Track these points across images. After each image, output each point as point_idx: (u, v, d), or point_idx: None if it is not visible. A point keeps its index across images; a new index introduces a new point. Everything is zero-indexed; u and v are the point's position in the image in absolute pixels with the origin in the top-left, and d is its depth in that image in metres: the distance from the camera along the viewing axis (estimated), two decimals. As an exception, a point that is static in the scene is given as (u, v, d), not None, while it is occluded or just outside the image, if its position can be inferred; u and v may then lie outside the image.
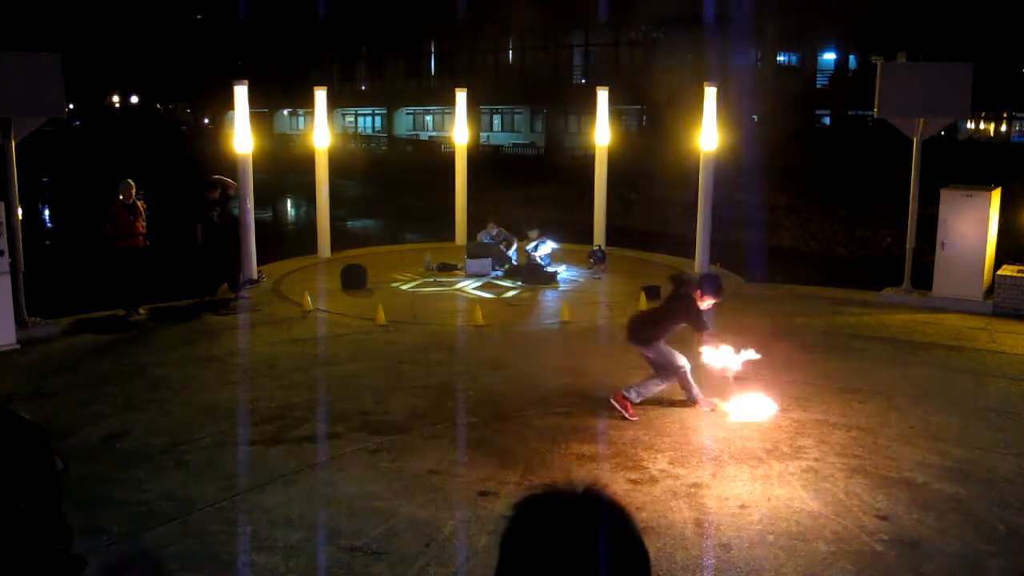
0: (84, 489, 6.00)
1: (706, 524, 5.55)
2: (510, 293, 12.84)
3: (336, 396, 8.05)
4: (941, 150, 22.43)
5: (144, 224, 11.40)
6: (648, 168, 27.38)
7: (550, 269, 13.79)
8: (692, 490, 6.05)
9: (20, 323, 9.93)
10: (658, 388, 7.65)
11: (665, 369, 7.61)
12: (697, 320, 7.42)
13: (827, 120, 41.92)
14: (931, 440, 7.00)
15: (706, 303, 7.48)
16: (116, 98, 77.54)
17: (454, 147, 17.33)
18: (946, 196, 11.74)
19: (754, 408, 7.51)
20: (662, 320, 7.65)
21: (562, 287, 13.28)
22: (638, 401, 7.53)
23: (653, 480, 6.21)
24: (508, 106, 45.15)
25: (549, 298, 12.65)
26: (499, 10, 37.83)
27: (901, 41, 20.22)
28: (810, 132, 37.53)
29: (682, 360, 7.63)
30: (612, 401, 7.52)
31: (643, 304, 11.69)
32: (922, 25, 32.02)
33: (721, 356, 7.52)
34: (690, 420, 7.46)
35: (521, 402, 7.87)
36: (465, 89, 16.84)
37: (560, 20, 38.94)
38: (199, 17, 60.05)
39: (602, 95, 15.90)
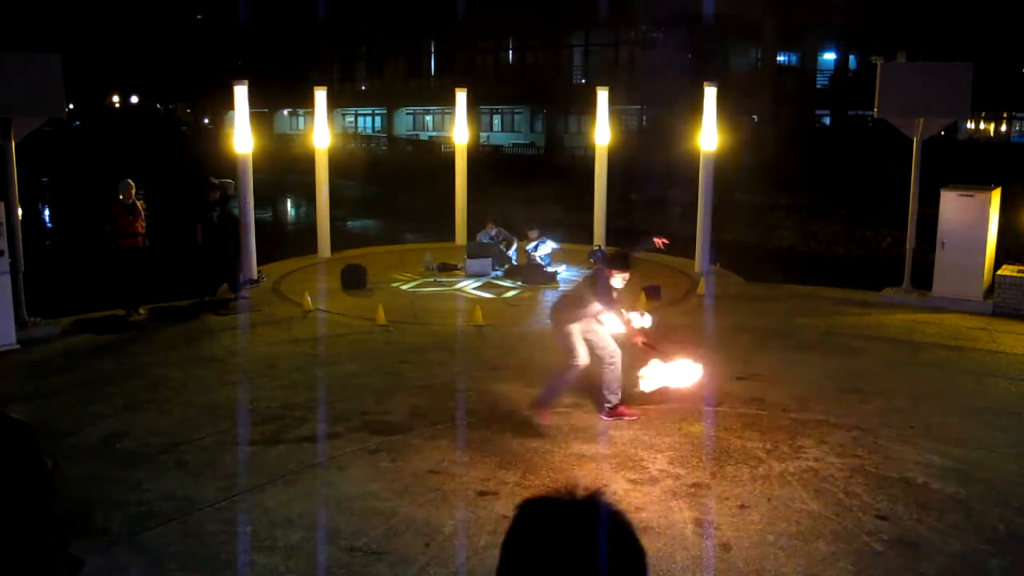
0: (84, 489, 6.00)
1: (706, 524, 5.55)
2: (510, 293, 12.84)
3: (336, 396, 8.05)
4: (941, 150, 22.45)
5: (144, 224, 11.40)
6: (648, 168, 27.38)
7: (550, 269, 13.78)
8: (692, 490, 6.05)
9: (20, 323, 9.93)
10: (617, 372, 7.32)
11: (574, 354, 7.24)
12: (604, 296, 7.06)
13: (827, 120, 41.94)
14: (931, 440, 7.00)
15: (616, 280, 7.09)
16: (116, 98, 77.56)
17: (454, 147, 17.33)
18: (946, 196, 11.73)
19: (677, 375, 7.22)
20: (575, 300, 7.34)
21: (562, 287, 13.27)
22: (618, 399, 7.38)
23: (653, 480, 6.21)
24: (508, 106, 45.15)
25: (549, 298, 12.62)
26: (499, 10, 37.86)
27: (901, 41, 20.24)
28: (810, 132, 37.55)
29: (582, 359, 7.24)
30: (604, 419, 7.38)
31: (643, 304, 11.69)
32: (922, 25, 32.02)
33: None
34: (690, 420, 7.46)
35: (521, 402, 7.86)
36: (465, 89, 16.84)
37: (560, 20, 38.94)
38: (199, 17, 60.05)
39: (602, 95, 15.90)
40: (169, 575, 4.99)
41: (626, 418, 7.37)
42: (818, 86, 40.40)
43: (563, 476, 6.30)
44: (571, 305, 7.37)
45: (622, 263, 7.08)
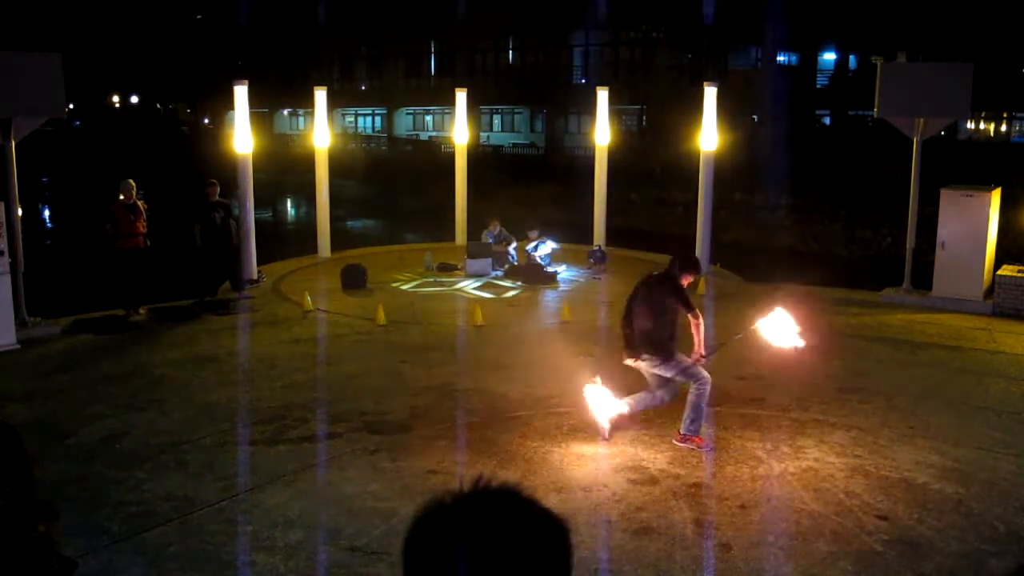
0: (84, 489, 6.00)
1: (706, 524, 5.55)
2: (510, 293, 12.84)
3: (336, 396, 8.05)
4: (941, 150, 22.44)
5: (145, 224, 11.37)
6: (649, 168, 27.40)
7: (550, 269, 13.78)
8: (692, 490, 6.04)
9: (20, 323, 9.93)
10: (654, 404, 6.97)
11: (670, 383, 6.86)
12: (687, 302, 6.70)
13: (827, 120, 41.96)
14: (931, 440, 7.00)
15: (686, 281, 6.81)
16: (116, 98, 77.52)
17: (454, 147, 17.33)
18: (946, 196, 11.73)
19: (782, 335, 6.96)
20: (667, 315, 6.74)
21: (562, 287, 13.28)
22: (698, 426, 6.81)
23: (653, 480, 6.20)
24: (508, 106, 45.15)
25: (549, 298, 12.65)
26: (499, 10, 37.86)
27: (901, 41, 20.25)
28: (810, 132, 37.56)
29: (705, 373, 6.78)
30: (678, 443, 6.83)
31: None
32: (922, 25, 32.04)
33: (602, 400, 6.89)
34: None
35: (521, 402, 7.86)
36: (465, 89, 16.84)
37: (560, 20, 38.94)
38: (199, 17, 60.06)
39: (602, 95, 15.90)
40: (169, 575, 5.00)
41: (701, 447, 6.78)
42: (818, 86, 40.43)
43: (563, 476, 6.30)
44: (667, 325, 6.74)
45: (695, 265, 6.96)
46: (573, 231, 16.88)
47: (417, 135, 47.90)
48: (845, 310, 11.84)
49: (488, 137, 43.93)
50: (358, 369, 8.96)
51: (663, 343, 6.72)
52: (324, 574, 5.01)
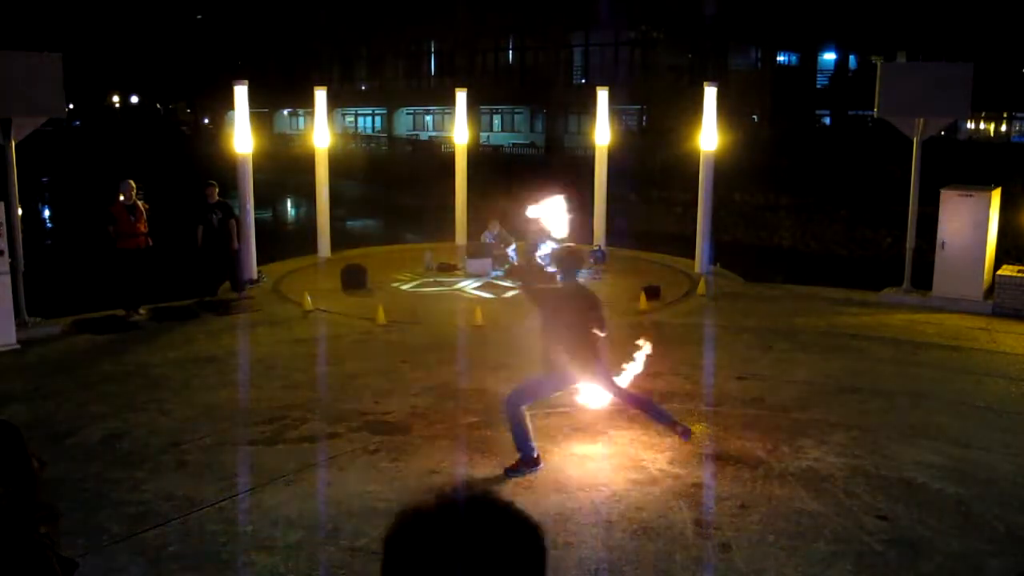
0: (84, 489, 6.00)
1: (706, 524, 5.55)
2: (510, 293, 12.83)
3: (336, 396, 8.05)
4: (941, 150, 22.44)
5: (145, 224, 11.36)
6: (649, 168, 27.39)
7: (550, 269, 13.75)
8: (692, 490, 6.04)
9: (20, 323, 9.93)
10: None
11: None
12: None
13: (827, 120, 41.95)
14: (931, 440, 7.00)
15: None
16: (116, 98, 77.51)
17: (454, 147, 17.33)
18: (946, 196, 11.74)
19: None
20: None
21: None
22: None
23: (653, 480, 6.20)
24: (508, 106, 45.12)
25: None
26: (499, 10, 37.86)
27: (901, 41, 20.24)
28: (810, 132, 37.56)
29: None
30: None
31: (643, 304, 11.69)
32: (922, 25, 32.04)
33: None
34: (690, 420, 7.44)
35: (521, 402, 7.85)
36: (465, 89, 16.84)
37: (560, 20, 38.94)
38: (199, 17, 60.06)
39: (602, 95, 15.90)
40: (169, 575, 4.99)
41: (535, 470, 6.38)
42: (818, 86, 40.44)
43: (563, 476, 6.30)
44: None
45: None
46: (573, 231, 16.85)
47: (417, 135, 47.86)
48: (845, 310, 11.84)
49: (488, 137, 43.91)
50: (358, 369, 8.97)
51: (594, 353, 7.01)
52: (324, 574, 5.01)
